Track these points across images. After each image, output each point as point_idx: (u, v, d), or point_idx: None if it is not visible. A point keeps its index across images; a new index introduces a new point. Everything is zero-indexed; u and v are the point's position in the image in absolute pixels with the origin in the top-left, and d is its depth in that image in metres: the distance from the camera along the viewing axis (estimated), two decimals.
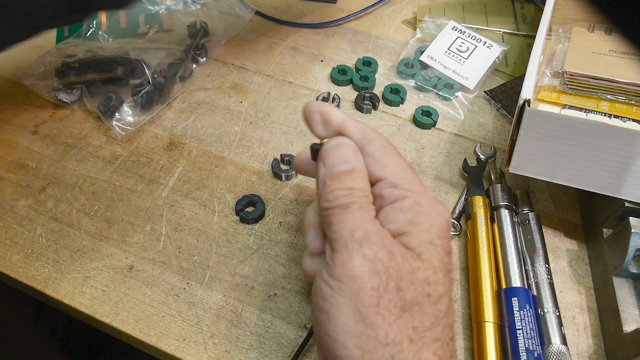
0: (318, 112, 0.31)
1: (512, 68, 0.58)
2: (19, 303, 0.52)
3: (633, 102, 0.41)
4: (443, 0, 0.66)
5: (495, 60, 0.57)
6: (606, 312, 0.39)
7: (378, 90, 0.56)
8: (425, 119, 0.52)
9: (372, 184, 0.30)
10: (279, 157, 0.48)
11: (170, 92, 0.53)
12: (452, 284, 0.27)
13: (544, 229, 0.43)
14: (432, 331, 0.26)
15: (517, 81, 0.56)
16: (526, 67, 0.43)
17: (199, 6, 0.62)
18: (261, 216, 0.44)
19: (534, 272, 0.40)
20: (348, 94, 0.56)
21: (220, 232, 0.44)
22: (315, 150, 0.31)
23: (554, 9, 0.51)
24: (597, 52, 0.45)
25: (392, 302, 0.25)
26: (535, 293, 0.39)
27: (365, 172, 0.30)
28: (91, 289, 0.40)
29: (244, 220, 0.44)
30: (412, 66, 0.57)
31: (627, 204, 0.39)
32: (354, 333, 0.25)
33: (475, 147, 0.49)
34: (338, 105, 0.53)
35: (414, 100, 0.55)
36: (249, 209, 0.45)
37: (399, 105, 0.54)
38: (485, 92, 0.56)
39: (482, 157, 0.48)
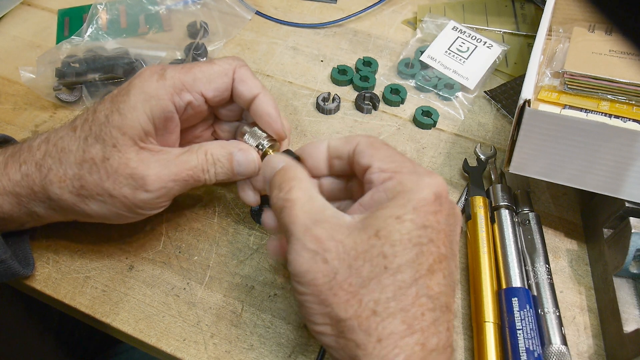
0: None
1: (512, 68, 0.58)
2: (9, 296, 0.52)
3: (633, 102, 0.41)
4: (443, 0, 0.66)
5: (495, 60, 0.57)
6: (606, 312, 0.39)
7: (378, 90, 0.56)
8: (425, 119, 0.52)
9: (363, 172, 0.33)
10: None
11: None
12: (425, 255, 0.28)
13: (544, 229, 0.43)
14: (397, 301, 0.27)
15: (517, 81, 0.56)
16: (526, 67, 0.43)
17: (199, 6, 0.62)
18: None
19: (534, 272, 0.40)
20: (348, 94, 0.56)
21: (220, 232, 0.44)
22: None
23: (554, 9, 0.51)
24: (597, 52, 0.45)
25: (347, 282, 0.28)
26: (535, 293, 0.39)
27: (305, 175, 0.33)
28: (91, 289, 0.40)
29: (257, 220, 0.44)
30: (412, 66, 0.57)
31: (627, 204, 0.39)
32: (322, 315, 0.29)
33: (476, 147, 0.49)
34: (338, 106, 0.53)
35: (414, 101, 0.55)
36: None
37: (399, 106, 0.54)
38: (485, 92, 0.56)
39: (482, 157, 0.48)
